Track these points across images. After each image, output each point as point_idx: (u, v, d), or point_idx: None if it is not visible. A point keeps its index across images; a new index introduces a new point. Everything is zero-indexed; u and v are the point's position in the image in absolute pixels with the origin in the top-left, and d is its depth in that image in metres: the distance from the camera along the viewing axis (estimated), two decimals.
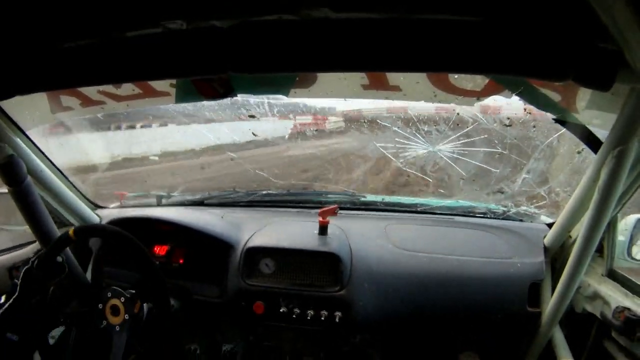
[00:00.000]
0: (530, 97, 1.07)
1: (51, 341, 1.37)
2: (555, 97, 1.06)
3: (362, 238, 1.53)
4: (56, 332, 1.42)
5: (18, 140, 1.31)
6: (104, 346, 1.21)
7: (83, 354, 1.44)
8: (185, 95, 1.23)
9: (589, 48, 0.77)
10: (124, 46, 0.90)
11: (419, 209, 1.74)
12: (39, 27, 0.86)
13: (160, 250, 1.59)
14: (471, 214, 1.70)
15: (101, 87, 1.26)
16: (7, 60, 0.96)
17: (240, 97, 1.29)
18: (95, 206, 1.77)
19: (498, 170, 1.69)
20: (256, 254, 1.48)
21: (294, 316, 1.40)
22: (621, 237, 1.30)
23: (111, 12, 0.81)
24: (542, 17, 0.75)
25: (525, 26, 0.77)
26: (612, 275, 1.29)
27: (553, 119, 1.17)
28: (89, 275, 1.50)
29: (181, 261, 1.58)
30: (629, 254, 1.30)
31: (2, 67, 0.97)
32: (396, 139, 1.71)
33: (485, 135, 1.64)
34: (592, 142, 1.16)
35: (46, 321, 1.28)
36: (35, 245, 1.50)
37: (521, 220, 1.65)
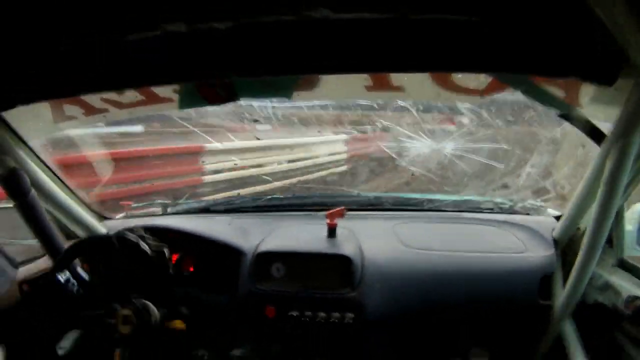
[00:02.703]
0: (534, 94, 1.07)
1: (60, 352, 1.37)
2: (558, 93, 1.05)
3: (371, 238, 1.53)
4: (65, 343, 1.43)
5: (21, 152, 1.30)
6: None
7: None
8: (188, 100, 1.22)
9: (591, 44, 0.77)
10: (125, 52, 0.90)
11: (426, 207, 1.74)
12: (39, 35, 0.86)
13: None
14: (478, 210, 1.70)
15: (104, 95, 1.25)
16: (8, 70, 0.95)
17: (243, 102, 1.29)
18: (101, 217, 1.76)
19: (502, 166, 1.69)
20: (267, 259, 1.47)
21: (306, 319, 1.40)
22: (629, 226, 1.31)
23: (110, 14, 0.81)
24: (545, 14, 0.75)
25: (527, 24, 0.77)
26: (623, 265, 1.30)
27: (557, 115, 1.18)
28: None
29: (191, 269, 1.57)
30: (639, 242, 1.31)
31: (3, 78, 0.97)
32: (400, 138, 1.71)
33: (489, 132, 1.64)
34: (596, 135, 1.16)
35: (57, 326, 1.28)
36: (45, 259, 1.49)
37: (528, 214, 1.65)
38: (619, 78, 0.80)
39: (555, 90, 1.04)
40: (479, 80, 1.07)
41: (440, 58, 0.84)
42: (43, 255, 1.50)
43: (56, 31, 0.86)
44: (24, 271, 1.46)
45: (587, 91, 1.02)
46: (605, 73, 0.80)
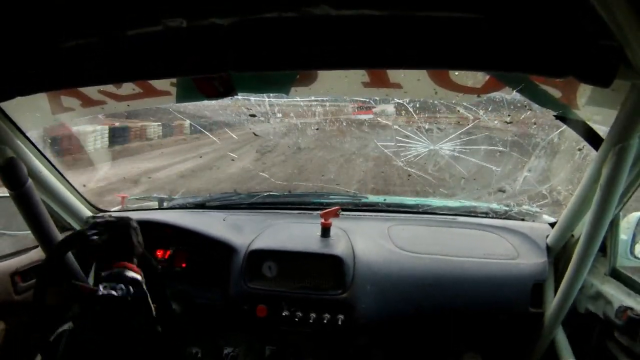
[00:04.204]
0: (531, 93, 1.07)
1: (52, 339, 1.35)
2: (555, 93, 1.06)
3: (365, 240, 1.53)
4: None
5: (19, 142, 1.30)
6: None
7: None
8: (185, 94, 1.22)
9: (589, 44, 0.77)
10: (124, 45, 0.90)
11: (421, 210, 1.73)
12: (40, 27, 0.87)
13: (162, 254, 1.58)
14: (473, 214, 1.70)
15: (102, 87, 1.25)
16: (7, 61, 0.95)
17: (240, 96, 1.29)
18: (97, 209, 1.75)
19: (499, 169, 1.69)
20: (259, 257, 1.46)
21: (297, 319, 1.39)
22: (623, 235, 1.29)
23: (112, 10, 0.82)
24: (543, 13, 0.75)
25: (525, 23, 0.77)
26: (615, 274, 1.28)
27: (554, 115, 1.17)
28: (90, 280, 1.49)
29: (183, 265, 1.57)
30: (632, 252, 1.29)
31: (2, 68, 0.97)
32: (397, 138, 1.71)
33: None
34: (593, 139, 1.15)
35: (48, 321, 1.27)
36: (38, 251, 1.48)
37: (523, 220, 1.65)
38: (617, 79, 0.80)
39: (553, 90, 1.04)
40: (476, 78, 1.07)
41: (438, 55, 0.84)
42: (36, 247, 1.49)
43: (57, 25, 0.86)
44: (16, 262, 1.45)
45: (584, 92, 1.02)
46: (602, 73, 0.80)
